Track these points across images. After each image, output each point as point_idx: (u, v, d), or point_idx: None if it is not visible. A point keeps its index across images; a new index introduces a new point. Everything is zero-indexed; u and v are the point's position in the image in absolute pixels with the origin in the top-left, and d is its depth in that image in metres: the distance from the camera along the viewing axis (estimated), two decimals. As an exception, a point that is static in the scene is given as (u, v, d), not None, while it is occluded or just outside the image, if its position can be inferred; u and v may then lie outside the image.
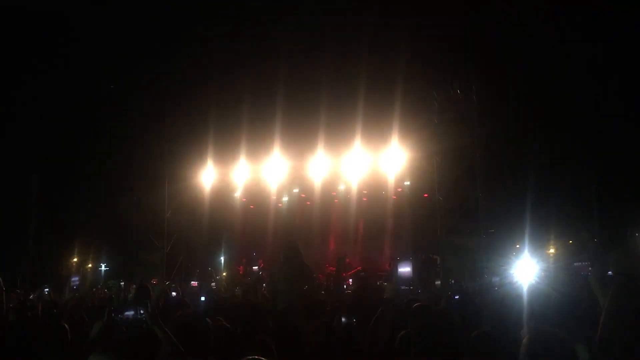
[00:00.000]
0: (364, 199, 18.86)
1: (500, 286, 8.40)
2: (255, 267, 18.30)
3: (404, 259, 17.04)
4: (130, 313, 3.43)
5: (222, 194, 19.44)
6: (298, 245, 6.82)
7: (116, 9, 17.67)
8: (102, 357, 3.50)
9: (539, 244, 21.06)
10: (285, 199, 19.79)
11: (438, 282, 14.47)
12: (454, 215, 17.60)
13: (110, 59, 18.92)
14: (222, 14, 17.40)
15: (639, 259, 2.19)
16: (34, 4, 17.12)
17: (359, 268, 17.35)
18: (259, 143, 18.53)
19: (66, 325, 4.74)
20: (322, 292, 7.44)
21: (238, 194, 19.32)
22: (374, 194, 18.62)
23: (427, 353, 2.85)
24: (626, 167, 20.90)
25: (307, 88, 17.28)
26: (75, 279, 20.34)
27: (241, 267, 19.51)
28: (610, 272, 2.43)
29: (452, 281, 13.97)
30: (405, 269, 16.66)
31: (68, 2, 17.34)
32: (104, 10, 17.65)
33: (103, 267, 24.26)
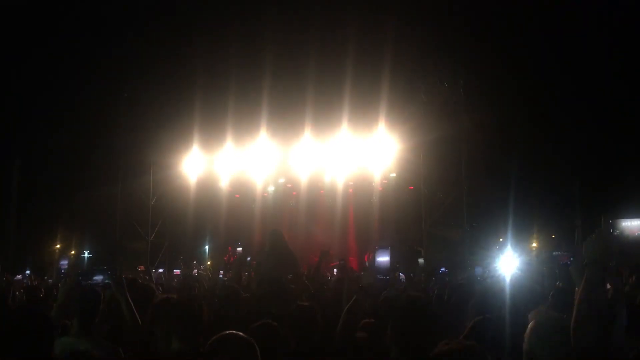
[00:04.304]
0: (350, 190, 18.90)
1: (483, 278, 8.49)
2: (240, 249, 18.21)
3: (382, 248, 17.06)
4: (99, 277, 3.47)
5: (207, 182, 19.36)
6: (282, 234, 6.84)
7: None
8: (74, 340, 3.50)
9: (522, 237, 21.32)
10: (271, 188, 19.75)
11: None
12: (439, 208, 17.73)
13: (96, 44, 18.69)
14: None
15: (610, 248, 2.23)
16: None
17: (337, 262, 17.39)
18: (245, 132, 18.46)
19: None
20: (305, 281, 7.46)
21: (224, 182, 19.25)
22: (360, 185, 18.67)
23: (399, 342, 2.85)
24: (607, 160, 21.17)
25: (295, 78, 17.22)
26: (64, 263, 20.21)
27: (226, 256, 19.48)
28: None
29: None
30: (383, 259, 16.66)
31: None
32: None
33: (86, 254, 24.08)
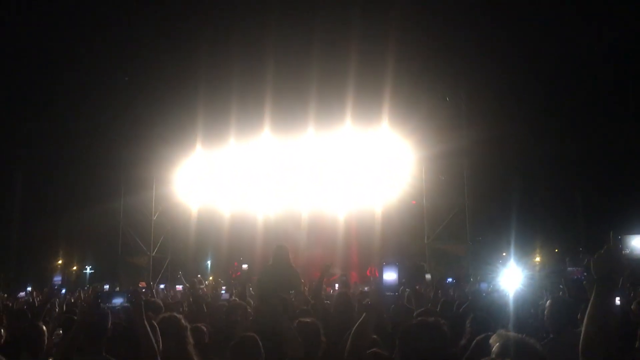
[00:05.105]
0: (352, 206, 18.83)
1: (488, 293, 8.41)
2: (245, 265, 18.19)
3: (389, 264, 16.98)
4: (119, 301, 3.46)
5: (209, 197, 19.34)
6: (288, 250, 6.81)
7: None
8: (86, 358, 3.48)
9: (525, 252, 21.22)
10: (273, 204, 19.69)
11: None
12: (442, 222, 17.67)
13: (97, 57, 18.77)
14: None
15: (618, 263, 2.20)
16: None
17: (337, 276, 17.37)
18: (248, 147, 18.48)
19: (43, 326, 4.69)
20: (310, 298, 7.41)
21: (226, 197, 19.22)
22: (362, 199, 18.61)
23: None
24: (610, 174, 21.13)
25: (297, 90, 17.25)
26: (57, 279, 20.02)
27: (231, 270, 19.42)
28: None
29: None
30: (390, 275, 16.60)
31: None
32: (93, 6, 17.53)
33: (88, 270, 24.03)
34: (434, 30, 16.40)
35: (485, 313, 5.07)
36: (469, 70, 17.21)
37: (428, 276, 15.93)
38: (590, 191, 21.63)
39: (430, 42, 16.36)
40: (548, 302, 4.57)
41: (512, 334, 2.48)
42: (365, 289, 14.64)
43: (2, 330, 5.16)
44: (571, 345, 3.86)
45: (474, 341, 3.41)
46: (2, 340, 5.01)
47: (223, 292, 9.20)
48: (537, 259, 23.90)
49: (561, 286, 7.41)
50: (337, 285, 14.04)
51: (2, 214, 21.37)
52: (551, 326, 4.32)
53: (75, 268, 24.44)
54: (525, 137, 18.58)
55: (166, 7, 17.11)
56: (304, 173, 18.43)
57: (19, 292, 12.59)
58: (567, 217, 22.74)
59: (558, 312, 4.35)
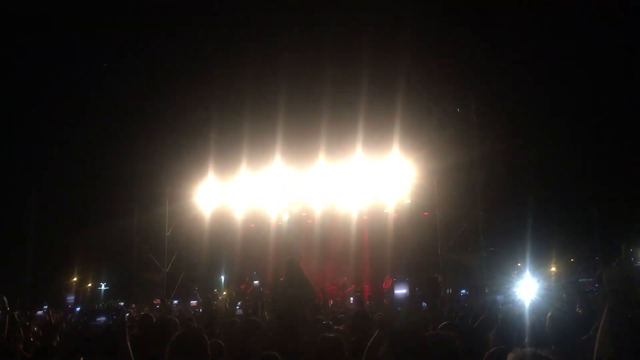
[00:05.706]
0: (365, 217, 18.83)
1: (504, 304, 8.35)
2: (257, 282, 18.19)
3: (400, 280, 16.98)
4: (102, 319, 3.48)
5: (222, 212, 19.40)
6: (299, 263, 6.82)
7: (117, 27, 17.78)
8: None
9: (540, 262, 21.00)
10: (286, 217, 19.73)
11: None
12: (455, 233, 17.58)
13: (111, 73, 19.01)
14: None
15: (631, 276, 2.20)
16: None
17: (352, 287, 17.42)
18: (259, 161, 18.55)
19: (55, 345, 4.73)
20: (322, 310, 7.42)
21: (238, 212, 19.28)
22: (374, 212, 18.60)
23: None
24: (624, 184, 20.93)
25: (310, 106, 17.36)
26: (70, 298, 20.12)
27: (243, 285, 19.42)
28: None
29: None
30: (401, 291, 16.59)
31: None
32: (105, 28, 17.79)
33: (103, 287, 24.14)
34: (445, 42, 16.46)
35: (503, 325, 5.04)
36: (480, 81, 17.23)
37: (449, 290, 15.81)
38: (606, 201, 21.42)
39: (441, 54, 16.42)
40: (549, 314, 4.57)
41: (527, 349, 2.47)
42: (385, 301, 14.62)
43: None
44: (573, 357, 3.86)
45: (485, 354, 3.38)
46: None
47: (238, 307, 9.22)
48: (553, 269, 23.67)
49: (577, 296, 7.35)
50: (352, 299, 14.01)
51: (17, 233, 21.56)
52: (553, 338, 4.34)
53: (90, 285, 24.55)
54: (538, 148, 18.51)
55: (182, 29, 17.35)
56: (317, 182, 18.43)
57: (36, 311, 12.70)
58: (582, 227, 22.49)
59: (559, 323, 4.38)
